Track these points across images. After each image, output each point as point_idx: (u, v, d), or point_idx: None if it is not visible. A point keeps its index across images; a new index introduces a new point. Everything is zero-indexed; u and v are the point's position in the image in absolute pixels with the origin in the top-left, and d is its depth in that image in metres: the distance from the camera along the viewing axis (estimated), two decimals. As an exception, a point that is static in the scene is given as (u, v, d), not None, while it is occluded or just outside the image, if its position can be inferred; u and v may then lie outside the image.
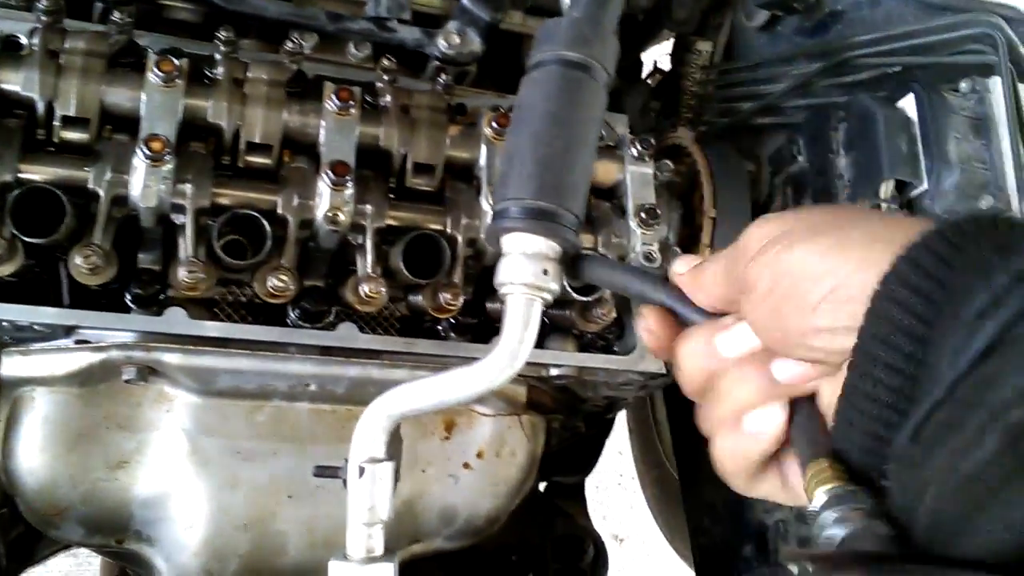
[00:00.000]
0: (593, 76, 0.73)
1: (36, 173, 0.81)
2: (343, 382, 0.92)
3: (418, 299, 0.93)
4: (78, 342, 0.86)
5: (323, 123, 0.88)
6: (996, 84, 0.93)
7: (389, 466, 0.73)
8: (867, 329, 0.43)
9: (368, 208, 0.88)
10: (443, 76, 0.96)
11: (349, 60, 0.97)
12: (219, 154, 0.88)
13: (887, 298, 0.42)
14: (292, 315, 0.91)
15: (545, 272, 0.69)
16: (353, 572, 0.73)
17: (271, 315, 0.92)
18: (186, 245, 0.83)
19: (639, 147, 0.99)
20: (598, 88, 0.73)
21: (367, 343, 0.89)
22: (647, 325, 0.62)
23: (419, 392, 0.71)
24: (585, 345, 1.01)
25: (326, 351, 0.89)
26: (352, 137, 0.88)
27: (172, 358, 0.86)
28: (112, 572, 1.45)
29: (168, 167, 0.82)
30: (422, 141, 0.92)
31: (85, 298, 0.86)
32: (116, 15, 0.87)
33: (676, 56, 1.30)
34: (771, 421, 0.52)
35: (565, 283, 0.90)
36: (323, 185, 0.86)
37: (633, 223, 0.98)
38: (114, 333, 0.85)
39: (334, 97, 0.88)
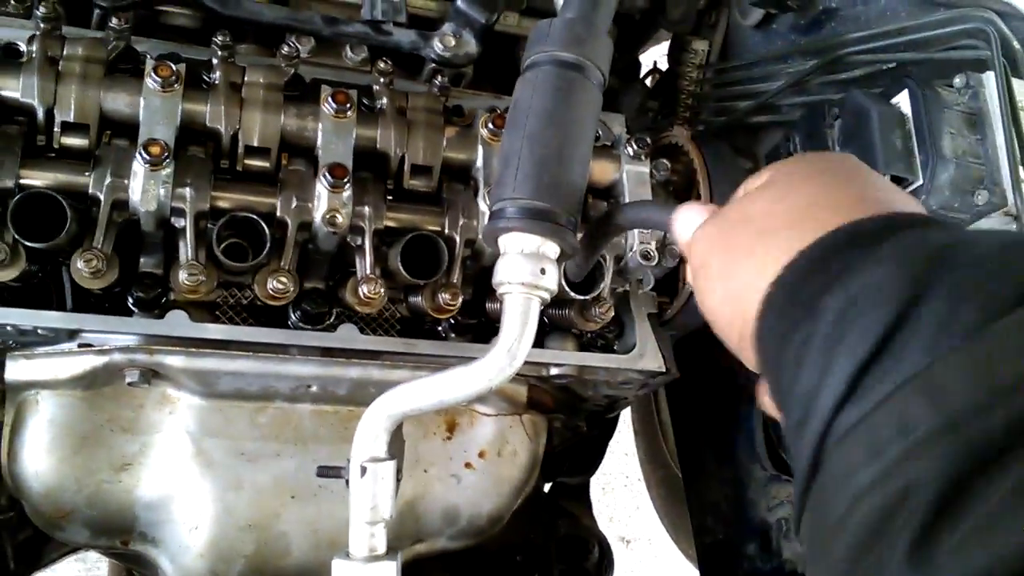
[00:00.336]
0: (587, 76, 0.73)
1: (37, 179, 0.82)
2: (344, 383, 0.93)
3: (417, 300, 0.93)
4: (81, 346, 0.87)
5: (320, 126, 0.89)
6: (990, 79, 0.93)
7: (391, 465, 0.74)
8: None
9: (366, 210, 0.89)
10: (439, 78, 0.97)
11: (345, 63, 0.98)
12: (218, 158, 0.89)
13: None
14: (293, 317, 0.91)
15: (543, 271, 0.70)
16: (356, 571, 0.74)
17: (272, 317, 0.92)
18: (186, 248, 0.84)
19: (635, 146, 0.99)
20: (592, 88, 0.74)
21: (367, 344, 0.90)
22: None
23: (419, 392, 0.72)
24: (585, 344, 1.02)
25: (327, 352, 0.90)
26: (349, 140, 0.89)
27: (175, 361, 0.87)
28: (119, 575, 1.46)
29: (167, 171, 0.82)
30: (419, 143, 0.92)
31: (88, 302, 0.87)
32: (114, 21, 0.87)
33: (673, 56, 1.31)
34: None
35: (563, 282, 0.90)
36: (321, 187, 0.86)
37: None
38: (117, 336, 0.85)
39: (331, 100, 0.89)
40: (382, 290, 0.88)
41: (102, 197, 0.82)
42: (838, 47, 1.05)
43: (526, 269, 0.69)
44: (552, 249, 0.71)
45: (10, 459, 0.89)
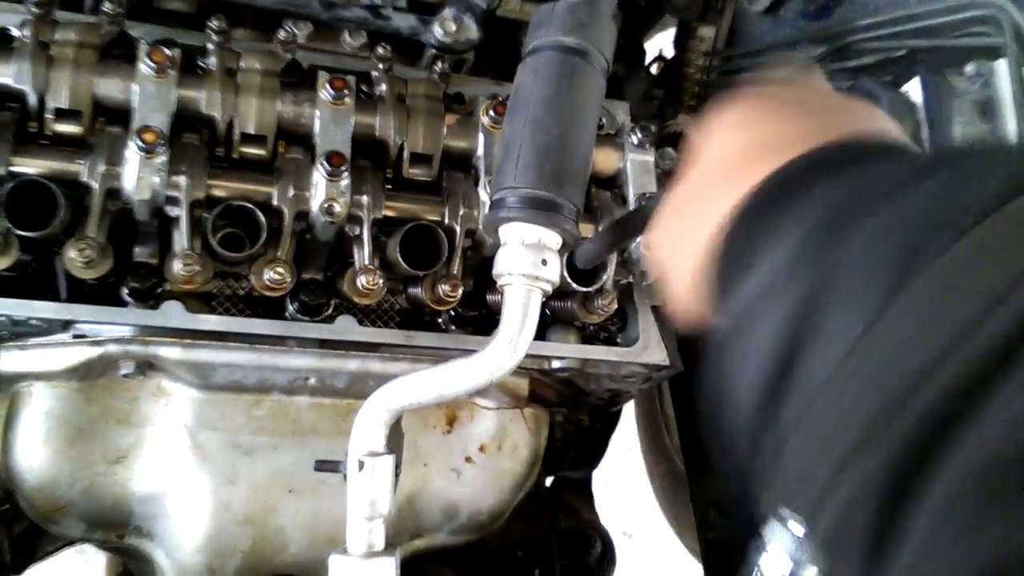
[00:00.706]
0: (590, 61, 0.71)
1: (29, 166, 0.80)
2: (343, 375, 0.91)
3: (417, 291, 0.92)
4: (76, 336, 0.85)
5: (318, 113, 0.87)
6: (1002, 67, 0.91)
7: (389, 459, 0.72)
8: None
9: (365, 199, 0.87)
10: (439, 64, 0.95)
11: (344, 49, 0.96)
12: (213, 145, 0.87)
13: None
14: (290, 308, 0.90)
15: (544, 262, 0.68)
16: (354, 566, 0.72)
17: (269, 308, 0.91)
18: (181, 238, 0.82)
19: (640, 135, 0.97)
20: (596, 74, 0.72)
21: (366, 336, 0.88)
22: None
23: (419, 385, 0.70)
24: (587, 337, 1.00)
25: (325, 344, 0.88)
26: (347, 127, 0.87)
27: (170, 352, 0.85)
28: (117, 569, 1.45)
29: (162, 159, 0.81)
30: (419, 130, 0.90)
31: (82, 292, 0.85)
32: (107, 6, 0.86)
33: (679, 42, 1.29)
34: None
35: (565, 274, 0.89)
36: (319, 176, 0.85)
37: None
38: (111, 327, 0.84)
39: (328, 87, 0.87)
40: (381, 281, 0.86)
41: (95, 185, 0.81)
42: (847, 34, 1.03)
43: (527, 260, 0.67)
44: (554, 240, 0.69)
45: (4, 452, 0.88)
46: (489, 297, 0.97)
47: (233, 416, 0.91)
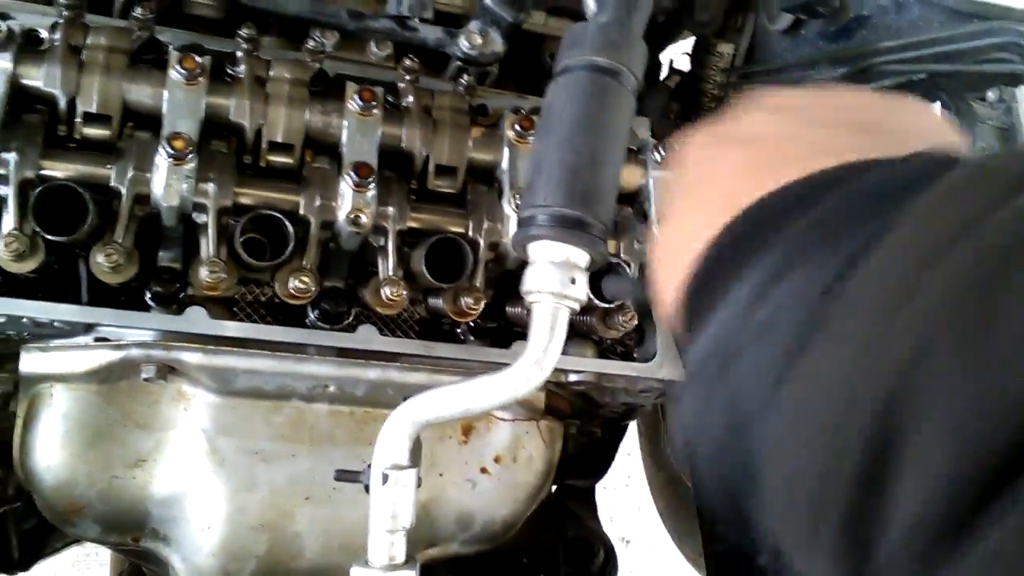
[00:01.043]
0: (622, 81, 0.72)
1: (58, 170, 0.80)
2: (362, 384, 0.91)
3: (438, 302, 0.92)
4: (97, 340, 0.86)
5: (345, 123, 0.87)
6: (1023, 93, 0.92)
7: (412, 473, 0.73)
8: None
9: (390, 210, 0.87)
10: (465, 76, 0.95)
11: (370, 59, 0.97)
12: (241, 153, 0.87)
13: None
14: (311, 316, 0.90)
15: (572, 281, 0.68)
16: (374, 578, 0.73)
17: (290, 315, 0.91)
18: (208, 245, 0.83)
19: (662, 152, 0.98)
20: (627, 94, 0.72)
21: (386, 345, 0.89)
22: None
23: (445, 399, 0.71)
24: (605, 351, 1.01)
25: (345, 352, 0.89)
26: (374, 138, 0.88)
27: (192, 357, 0.86)
28: (122, 565, 1.45)
29: (191, 166, 0.81)
30: (444, 142, 0.91)
31: (105, 295, 0.85)
32: (137, 10, 0.86)
33: (696, 58, 1.29)
34: None
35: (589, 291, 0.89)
36: (345, 186, 0.85)
37: (656, 229, 0.97)
38: (134, 331, 0.84)
39: (357, 97, 0.87)
40: (404, 292, 0.86)
41: (124, 190, 0.81)
42: (868, 55, 1.04)
43: (556, 278, 0.68)
44: (582, 258, 0.69)
45: (22, 452, 0.88)
46: (508, 309, 0.98)
47: (252, 422, 0.92)
